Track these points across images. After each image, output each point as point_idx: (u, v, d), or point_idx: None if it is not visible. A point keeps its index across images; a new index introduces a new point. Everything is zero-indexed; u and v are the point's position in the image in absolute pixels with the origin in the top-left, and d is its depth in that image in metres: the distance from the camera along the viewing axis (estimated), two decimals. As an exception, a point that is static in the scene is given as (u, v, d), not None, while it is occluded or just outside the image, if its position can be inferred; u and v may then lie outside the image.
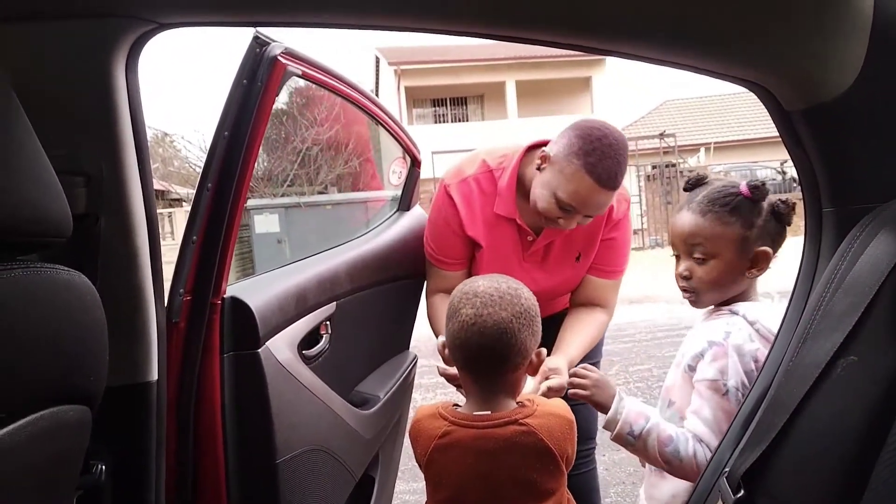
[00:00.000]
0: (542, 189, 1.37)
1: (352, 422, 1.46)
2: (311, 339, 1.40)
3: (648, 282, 7.47)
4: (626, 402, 1.15)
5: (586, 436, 1.63)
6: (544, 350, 1.08)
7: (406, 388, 1.83)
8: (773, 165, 13.41)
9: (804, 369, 0.77)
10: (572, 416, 1.06)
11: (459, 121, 18.89)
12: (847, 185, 0.89)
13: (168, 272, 1.09)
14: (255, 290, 1.25)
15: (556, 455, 1.01)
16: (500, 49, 16.18)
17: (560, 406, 1.08)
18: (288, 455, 1.24)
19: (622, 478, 2.76)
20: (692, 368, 1.11)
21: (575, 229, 1.46)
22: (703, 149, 16.13)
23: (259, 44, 1.13)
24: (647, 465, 1.23)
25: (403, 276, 1.74)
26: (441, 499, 1.06)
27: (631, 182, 12.81)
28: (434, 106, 19.64)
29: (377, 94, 21.82)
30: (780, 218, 1.13)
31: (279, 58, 1.13)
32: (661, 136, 13.71)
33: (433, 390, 4.20)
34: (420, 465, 1.08)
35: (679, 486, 1.13)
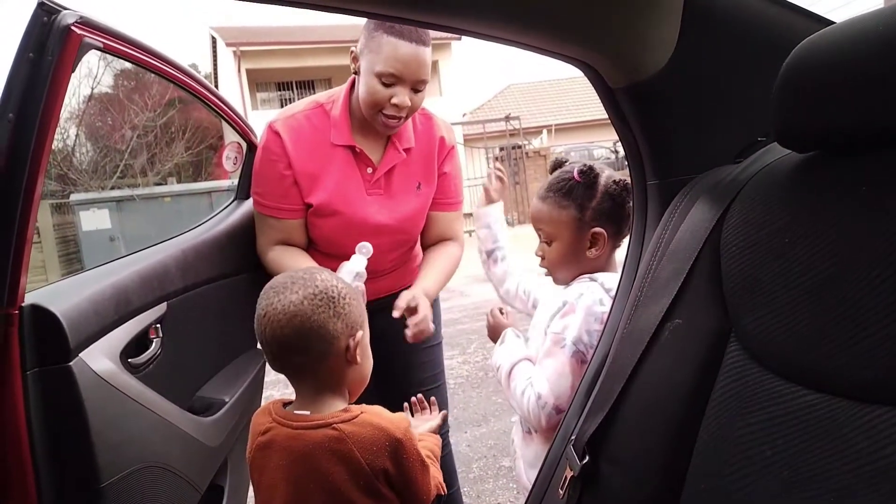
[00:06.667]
0: (364, 81, 1.40)
1: (192, 431, 1.34)
2: (138, 345, 1.26)
3: (501, 260, 7.77)
4: (497, 350, 1.25)
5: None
6: (361, 332, 0.98)
7: (255, 388, 1.72)
8: (607, 145, 14.49)
9: (636, 335, 0.80)
10: (403, 435, 0.95)
11: (307, 105, 18.32)
12: (667, 158, 0.94)
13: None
14: (63, 295, 1.09)
15: (367, 470, 0.92)
16: (346, 31, 15.84)
17: (390, 421, 0.96)
18: (115, 477, 1.11)
19: (483, 452, 2.84)
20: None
21: (411, 158, 1.52)
22: (545, 130, 17.02)
23: (46, 11, 0.97)
24: (519, 424, 1.25)
25: (244, 269, 1.62)
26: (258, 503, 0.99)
27: (481, 164, 13.21)
28: (280, 90, 18.86)
29: (215, 77, 20.41)
30: (614, 198, 1.18)
31: (73, 28, 0.98)
32: (507, 118, 14.25)
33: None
34: None
35: (542, 449, 1.16)
